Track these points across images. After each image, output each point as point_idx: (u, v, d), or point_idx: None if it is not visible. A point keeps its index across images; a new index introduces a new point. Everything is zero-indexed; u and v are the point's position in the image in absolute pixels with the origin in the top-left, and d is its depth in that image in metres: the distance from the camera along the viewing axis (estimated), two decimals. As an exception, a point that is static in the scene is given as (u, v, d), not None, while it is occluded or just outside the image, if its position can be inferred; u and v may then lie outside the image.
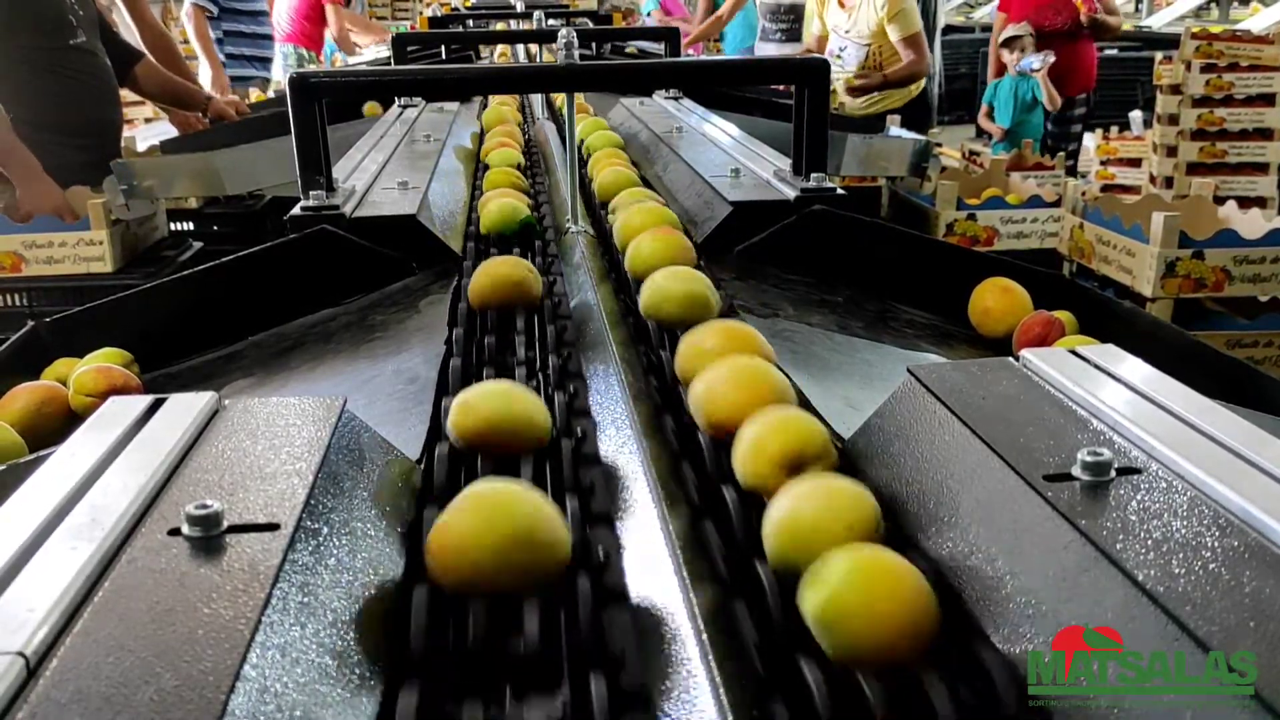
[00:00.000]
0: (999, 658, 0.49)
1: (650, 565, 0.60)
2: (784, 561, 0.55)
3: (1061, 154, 3.17)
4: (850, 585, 0.49)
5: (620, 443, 0.79)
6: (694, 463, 0.73)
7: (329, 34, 5.65)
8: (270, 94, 4.07)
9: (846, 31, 3.82)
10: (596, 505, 0.67)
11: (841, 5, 3.83)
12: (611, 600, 0.56)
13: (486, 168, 1.76)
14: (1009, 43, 4.37)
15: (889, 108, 3.69)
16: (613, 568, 0.59)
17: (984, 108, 4.53)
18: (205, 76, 4.56)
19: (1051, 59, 4.29)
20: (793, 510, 0.57)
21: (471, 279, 1.08)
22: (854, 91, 3.76)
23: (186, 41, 5.71)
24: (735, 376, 0.73)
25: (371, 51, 5.76)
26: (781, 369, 0.78)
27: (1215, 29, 4.57)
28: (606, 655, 0.52)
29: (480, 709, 0.51)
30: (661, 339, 0.95)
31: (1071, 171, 4.29)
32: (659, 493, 0.68)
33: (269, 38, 5.19)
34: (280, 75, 5.08)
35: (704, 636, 0.53)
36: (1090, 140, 4.63)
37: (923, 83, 3.93)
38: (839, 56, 3.84)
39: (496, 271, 1.07)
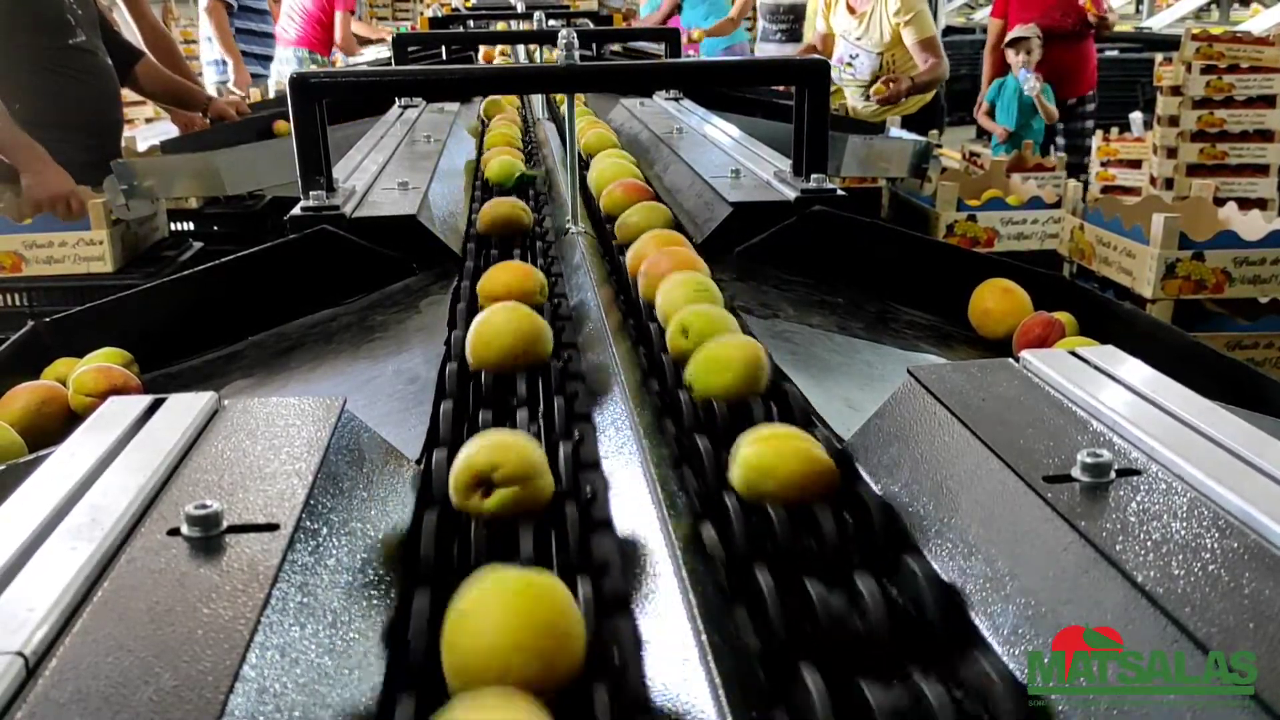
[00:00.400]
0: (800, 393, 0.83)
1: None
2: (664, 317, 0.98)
3: (1063, 155, 3.17)
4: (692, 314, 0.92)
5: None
6: (637, 321, 1.09)
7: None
8: (271, 94, 4.07)
9: (858, 39, 3.75)
10: (567, 336, 1.05)
11: (851, 11, 3.76)
12: (573, 378, 0.94)
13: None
14: (1015, 44, 4.36)
15: (905, 113, 3.62)
16: (575, 363, 0.98)
17: (984, 105, 4.50)
18: (209, 78, 4.57)
19: (1040, 85, 4.27)
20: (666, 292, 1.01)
21: (479, 215, 1.44)
22: (885, 101, 3.66)
23: (187, 42, 5.71)
24: (669, 260, 1.08)
25: (372, 52, 5.75)
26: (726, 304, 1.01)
27: (1216, 30, 4.58)
28: (571, 422, 0.86)
29: None
30: (623, 249, 1.24)
31: (1082, 170, 4.28)
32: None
33: (272, 36, 5.19)
34: None
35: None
36: (1091, 142, 4.63)
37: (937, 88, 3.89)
38: (850, 64, 3.79)
39: (498, 207, 1.43)
